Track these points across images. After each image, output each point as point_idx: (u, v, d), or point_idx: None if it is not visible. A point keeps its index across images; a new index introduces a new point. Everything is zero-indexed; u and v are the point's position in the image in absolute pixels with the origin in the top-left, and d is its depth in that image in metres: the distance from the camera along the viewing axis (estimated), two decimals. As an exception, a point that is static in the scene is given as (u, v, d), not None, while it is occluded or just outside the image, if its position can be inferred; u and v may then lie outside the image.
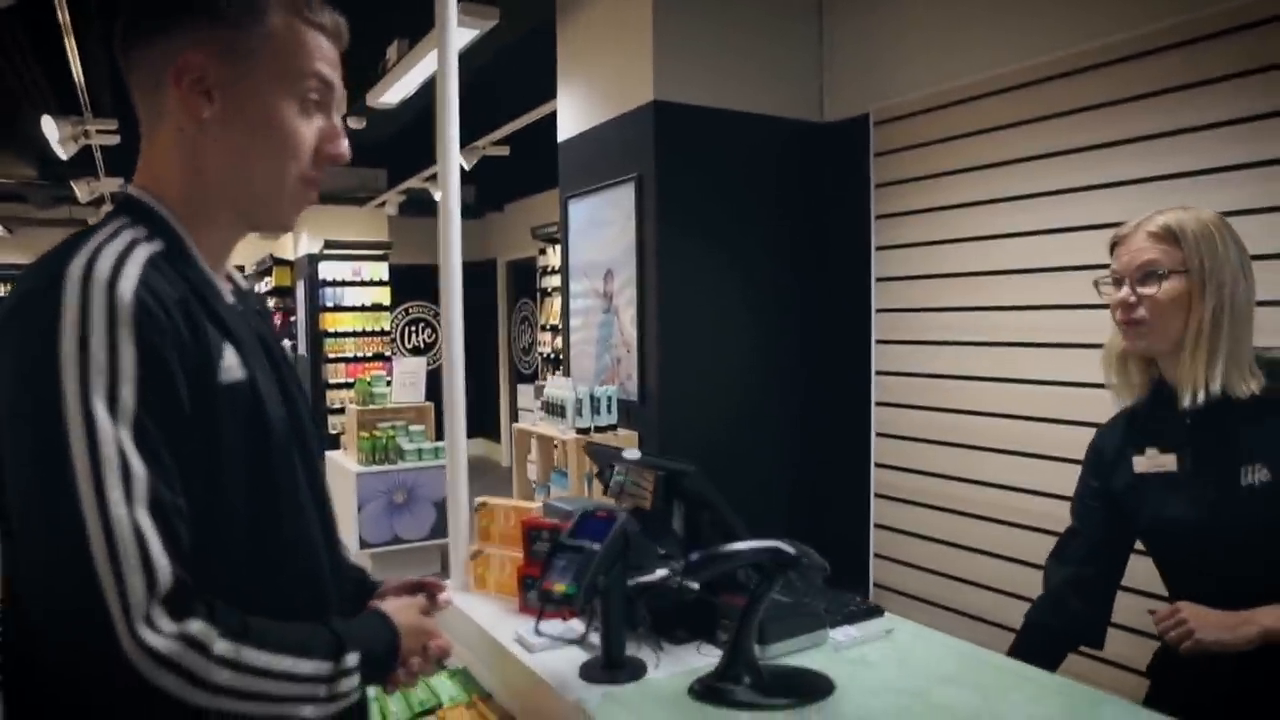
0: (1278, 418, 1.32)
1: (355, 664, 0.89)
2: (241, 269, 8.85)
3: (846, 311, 3.31)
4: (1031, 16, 2.67)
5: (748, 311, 3.28)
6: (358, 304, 8.30)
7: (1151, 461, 1.43)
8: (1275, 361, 1.37)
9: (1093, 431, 1.59)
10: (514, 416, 8.39)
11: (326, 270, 8.19)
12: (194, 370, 0.83)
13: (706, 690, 1.25)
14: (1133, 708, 1.23)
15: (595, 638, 1.37)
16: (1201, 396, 1.34)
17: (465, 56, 3.12)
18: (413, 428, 5.40)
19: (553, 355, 7.37)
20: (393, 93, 4.36)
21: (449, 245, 1.87)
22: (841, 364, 3.35)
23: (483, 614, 1.63)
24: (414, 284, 9.04)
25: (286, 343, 8.89)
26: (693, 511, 1.52)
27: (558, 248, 4.43)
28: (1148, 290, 1.37)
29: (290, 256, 9.29)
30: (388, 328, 8.62)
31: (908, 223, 3.08)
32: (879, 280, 3.20)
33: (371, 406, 5.48)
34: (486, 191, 8.47)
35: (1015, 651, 1.48)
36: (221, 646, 0.78)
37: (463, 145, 2.43)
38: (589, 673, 1.32)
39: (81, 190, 6.48)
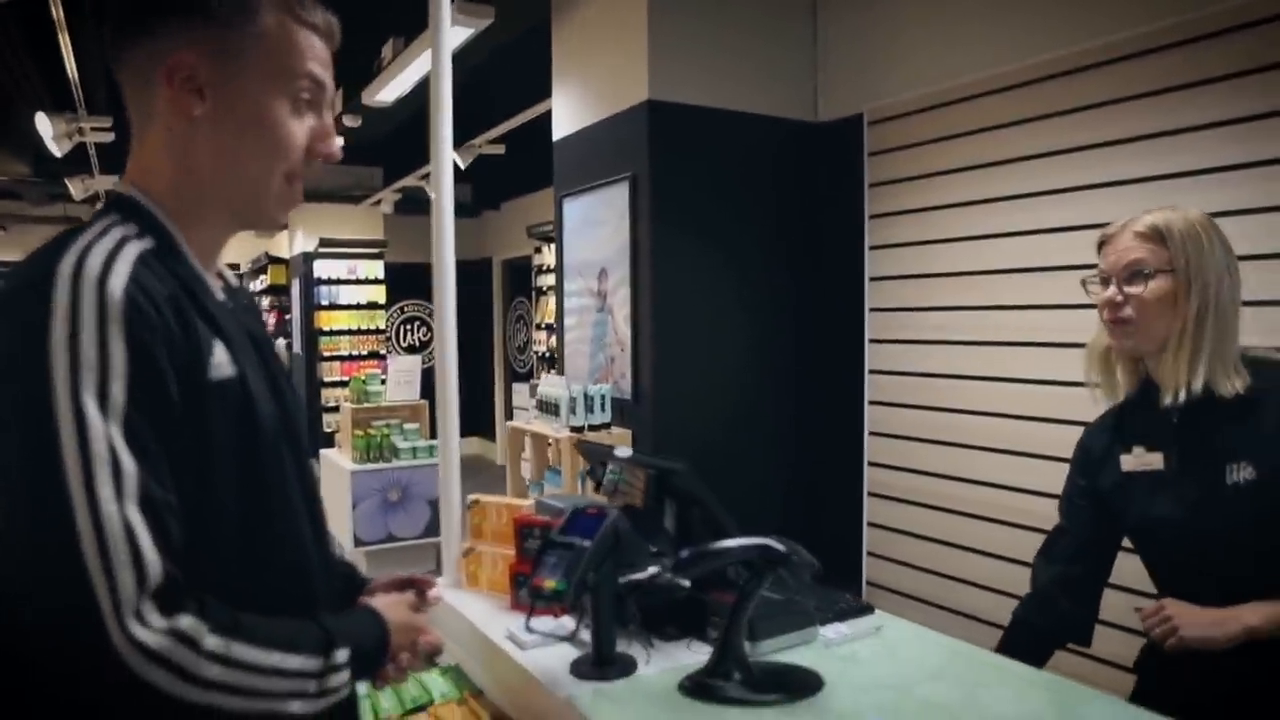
0: (1262, 416, 1.33)
1: (345, 660, 0.89)
2: (236, 267, 8.84)
3: (840, 311, 3.32)
4: (1025, 16, 2.67)
5: (741, 311, 3.29)
6: (353, 302, 8.30)
7: (1138, 460, 1.44)
8: (1260, 360, 1.38)
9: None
10: (509, 415, 8.40)
11: (322, 268, 8.18)
12: (184, 367, 0.84)
13: (697, 686, 1.25)
14: (1118, 703, 1.24)
15: (586, 634, 1.37)
16: (1183, 395, 1.35)
17: (460, 55, 3.12)
18: (407, 426, 5.39)
19: (548, 354, 7.36)
20: (388, 91, 4.35)
21: (442, 243, 1.88)
22: (835, 363, 3.36)
23: (474, 611, 1.64)
24: (409, 282, 9.02)
25: (281, 341, 8.90)
26: (684, 509, 1.53)
27: (553, 247, 4.43)
28: (1134, 289, 1.38)
29: (285, 254, 9.28)
30: (383, 326, 8.61)
31: (901, 222, 3.09)
32: (873, 280, 3.21)
33: (366, 405, 5.47)
34: (482, 190, 8.47)
35: (1003, 649, 1.49)
36: (211, 642, 0.78)
37: (458, 144, 2.43)
38: (580, 669, 1.33)
39: (76, 187, 6.47)
